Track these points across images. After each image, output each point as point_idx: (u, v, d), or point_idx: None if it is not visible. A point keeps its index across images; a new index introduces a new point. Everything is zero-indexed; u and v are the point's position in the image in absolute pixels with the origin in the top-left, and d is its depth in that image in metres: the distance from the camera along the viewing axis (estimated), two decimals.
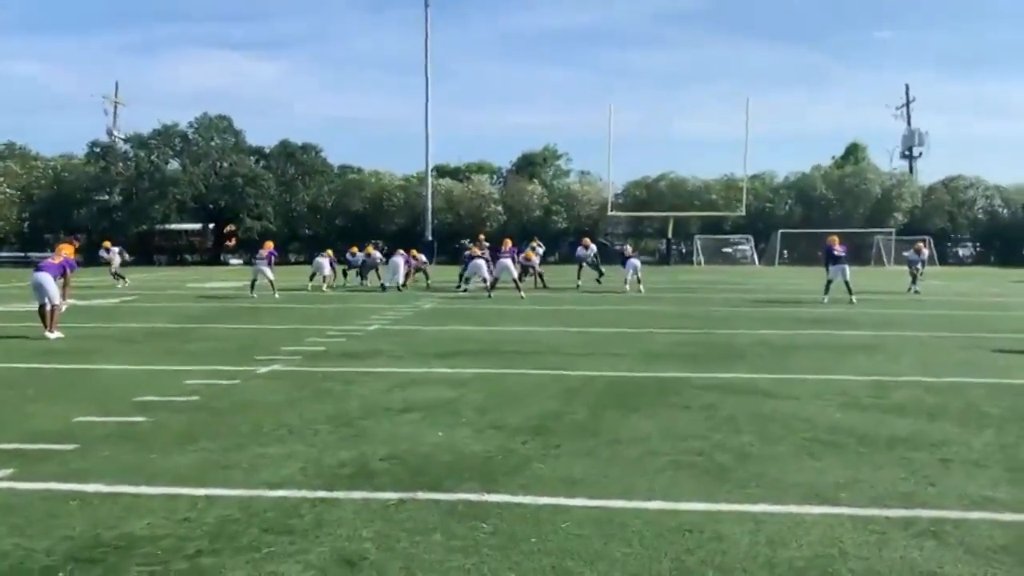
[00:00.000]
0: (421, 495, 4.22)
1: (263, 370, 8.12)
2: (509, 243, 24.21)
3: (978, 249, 52.19)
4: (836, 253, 17.55)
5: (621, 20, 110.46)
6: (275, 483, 4.43)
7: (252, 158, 51.83)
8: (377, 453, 5.03)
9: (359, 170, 53.69)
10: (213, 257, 51.57)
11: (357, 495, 4.23)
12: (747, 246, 47.39)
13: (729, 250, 47.81)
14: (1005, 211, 50.39)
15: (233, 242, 52.85)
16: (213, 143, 50.49)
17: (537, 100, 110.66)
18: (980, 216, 50.73)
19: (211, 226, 53.80)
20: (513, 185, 50.95)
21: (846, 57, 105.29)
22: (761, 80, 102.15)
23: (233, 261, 49.03)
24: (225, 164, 49.57)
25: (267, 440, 5.36)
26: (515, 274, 19.85)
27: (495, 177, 55.16)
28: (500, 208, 48.76)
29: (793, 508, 4.02)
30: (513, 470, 4.67)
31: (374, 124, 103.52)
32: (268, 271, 18.71)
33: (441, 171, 52.73)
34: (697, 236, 47.04)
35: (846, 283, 17.18)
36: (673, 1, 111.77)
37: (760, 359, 9.11)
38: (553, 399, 6.71)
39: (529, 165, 54.10)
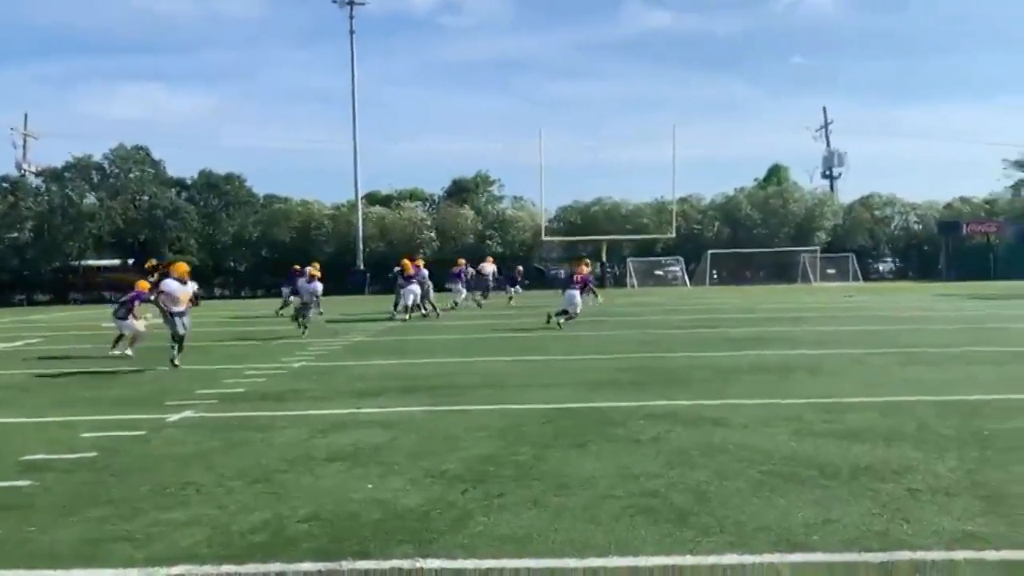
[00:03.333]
0: (347, 565, 3.66)
1: (173, 418, 7.38)
2: (463, 262, 24.32)
3: (897, 264, 53.99)
4: None
5: (547, 51, 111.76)
6: (173, 558, 3.80)
7: (173, 190, 49.97)
8: (296, 513, 4.44)
9: (286, 199, 52.31)
10: None
11: (272, 569, 3.65)
12: (678, 267, 47.88)
13: (661, 272, 48.22)
14: (919, 227, 52.35)
15: (156, 277, 50.62)
16: (131, 175, 48.47)
17: (469, 128, 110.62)
18: (897, 233, 52.60)
19: (131, 261, 51.47)
20: (446, 211, 50.45)
21: (765, 83, 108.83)
22: (687, 106, 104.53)
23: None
24: (144, 197, 47.62)
25: (169, 503, 4.70)
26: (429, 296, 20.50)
27: (427, 204, 54.60)
28: (433, 234, 48.16)
29: (766, 557, 3.61)
30: (452, 527, 4.14)
31: (302, 155, 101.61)
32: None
33: (372, 199, 51.86)
34: (630, 259, 47.32)
35: None
36: (596, 33, 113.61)
37: (703, 384, 8.80)
38: (493, 439, 6.21)
39: (461, 191, 53.70)
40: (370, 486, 4.94)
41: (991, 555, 3.58)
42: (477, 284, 26.68)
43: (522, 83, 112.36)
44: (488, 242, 47.40)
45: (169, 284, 11.43)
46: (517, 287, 28.05)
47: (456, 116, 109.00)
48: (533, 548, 3.80)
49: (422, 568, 3.60)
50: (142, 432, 6.78)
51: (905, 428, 6.26)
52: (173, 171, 51.31)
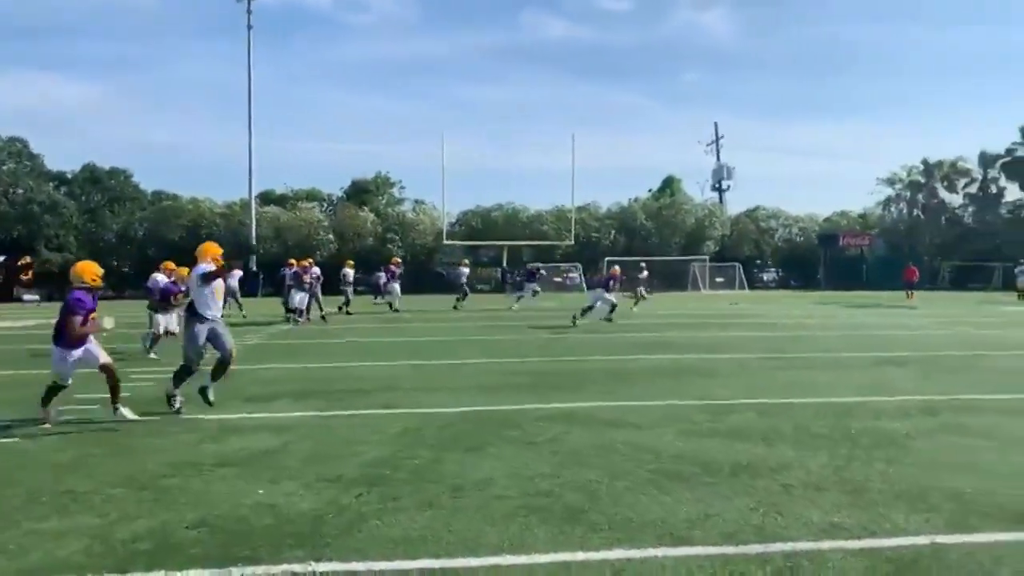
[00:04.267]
0: (236, 571, 3.59)
1: (50, 423, 6.98)
2: (398, 260, 24.26)
3: (780, 274, 56.91)
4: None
5: (451, 54, 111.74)
6: (49, 567, 3.62)
7: (52, 184, 47.06)
8: (184, 520, 4.31)
9: (175, 196, 50.18)
10: (5, 293, 46.08)
11: None
12: (576, 274, 48.91)
13: (560, 279, 49.08)
14: (801, 239, 55.41)
15: (29, 276, 47.47)
16: (5, 167, 45.38)
17: (370, 129, 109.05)
18: (781, 244, 55.49)
19: (2, 259, 48.08)
20: (344, 212, 49.63)
21: (659, 96, 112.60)
22: (586, 115, 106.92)
23: (28, 297, 44.03)
24: (20, 190, 44.66)
25: (44, 512, 4.47)
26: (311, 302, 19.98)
27: (325, 205, 53.55)
28: (331, 236, 47.27)
29: (650, 552, 3.78)
30: (346, 530, 4.12)
31: (194, 151, 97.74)
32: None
33: (266, 198, 50.42)
34: (529, 265, 48.01)
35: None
36: (499, 39, 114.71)
37: (600, 386, 9.05)
38: (389, 443, 6.19)
39: (361, 192, 53.01)
40: (261, 492, 4.84)
41: (853, 544, 3.87)
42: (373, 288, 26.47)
43: (425, 85, 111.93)
44: (388, 245, 46.97)
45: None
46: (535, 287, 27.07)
47: (357, 116, 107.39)
48: (426, 549, 3.83)
49: (314, 572, 3.57)
50: (14, 439, 6.39)
51: (783, 428, 6.65)
52: (56, 164, 48.41)
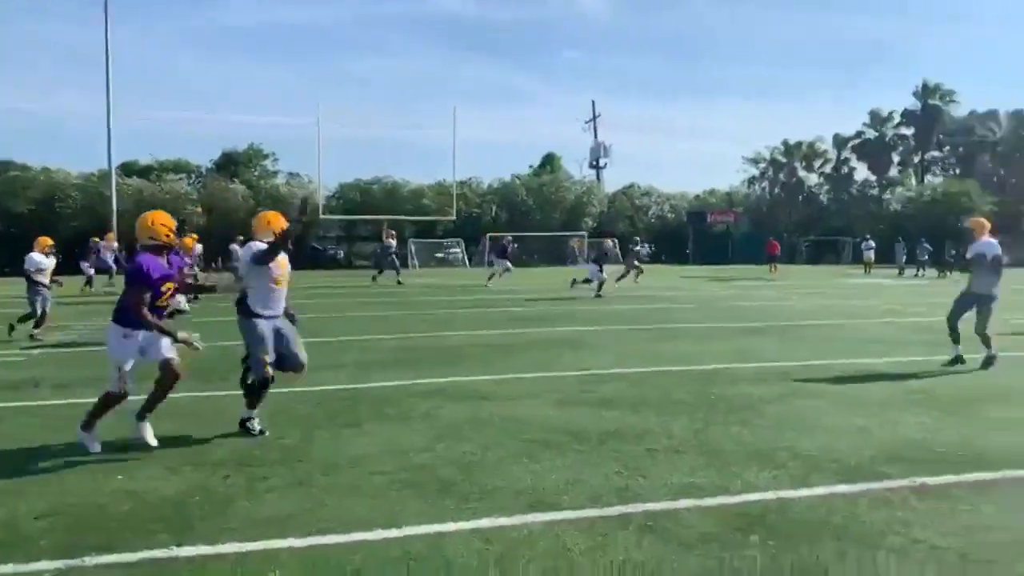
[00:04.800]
0: (91, 560, 3.43)
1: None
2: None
3: (653, 249, 59.10)
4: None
5: (329, 22, 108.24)
6: None
7: None
8: (33, 510, 4.06)
9: (24, 167, 46.36)
10: None
11: (4, 570, 3.33)
12: (458, 249, 48.93)
13: (442, 254, 48.98)
14: (672, 216, 57.70)
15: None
16: None
17: (242, 98, 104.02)
18: (654, 221, 57.62)
19: None
20: (213, 185, 47.40)
21: (540, 73, 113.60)
22: (468, 89, 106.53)
23: None
24: None
25: None
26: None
27: (193, 177, 50.93)
28: (199, 210, 45.07)
29: (519, 519, 3.89)
30: (212, 513, 4.01)
31: (46, 118, 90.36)
32: None
33: (128, 169, 47.36)
34: (411, 240, 47.55)
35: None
36: (379, 8, 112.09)
37: (478, 360, 9.15)
38: (260, 423, 6.03)
39: (232, 164, 50.73)
40: (120, 477, 4.63)
41: (708, 502, 4.14)
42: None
43: (302, 54, 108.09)
44: None
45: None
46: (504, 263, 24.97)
47: (230, 86, 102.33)
48: (296, 527, 3.79)
49: (177, 556, 3.47)
50: None
51: (649, 396, 6.97)
52: None
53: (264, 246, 5.56)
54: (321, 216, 44.24)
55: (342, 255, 50.43)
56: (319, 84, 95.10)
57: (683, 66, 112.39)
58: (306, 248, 46.45)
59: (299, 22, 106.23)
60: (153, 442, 5.28)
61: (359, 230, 51.62)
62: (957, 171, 59.07)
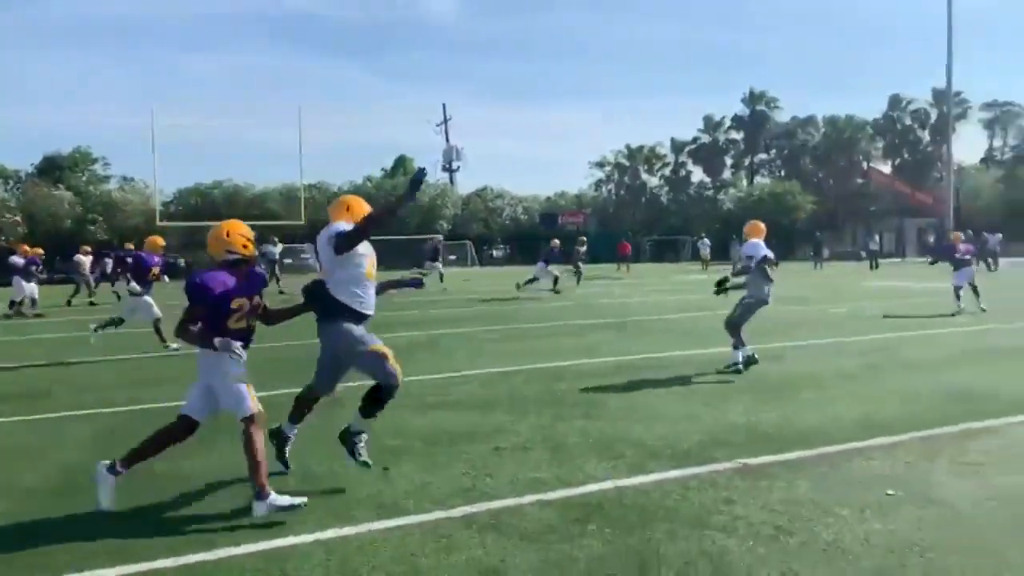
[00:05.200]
0: None
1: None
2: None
3: (507, 251, 60.11)
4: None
5: (165, 18, 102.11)
6: None
7: None
8: None
9: None
10: None
11: None
12: (310, 255, 47.63)
13: (291, 260, 47.49)
14: (525, 217, 58.95)
15: None
16: None
17: (68, 97, 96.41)
18: (507, 222, 58.63)
19: None
20: (35, 191, 43.60)
21: (390, 74, 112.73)
22: (315, 90, 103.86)
23: None
24: None
25: None
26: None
27: (11, 182, 46.61)
28: (19, 218, 41.31)
29: (364, 527, 3.85)
30: (21, 543, 3.69)
31: None
32: None
33: None
34: (260, 246, 45.94)
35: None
36: (217, 5, 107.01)
37: None
38: (82, 448, 5.63)
39: (56, 169, 46.86)
40: None
41: (550, 495, 4.26)
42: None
43: (135, 51, 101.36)
44: (91, 227, 42.23)
45: None
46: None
47: (54, 83, 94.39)
48: (133, 555, 3.57)
49: None
50: None
51: (499, 396, 7.09)
52: None
53: (347, 227, 4.51)
54: (158, 223, 41.77)
55: (183, 263, 47.75)
56: (153, 83, 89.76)
57: (530, 70, 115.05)
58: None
59: (130, 16, 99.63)
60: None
61: (201, 237, 49.18)
62: (782, 173, 64.06)
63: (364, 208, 4.77)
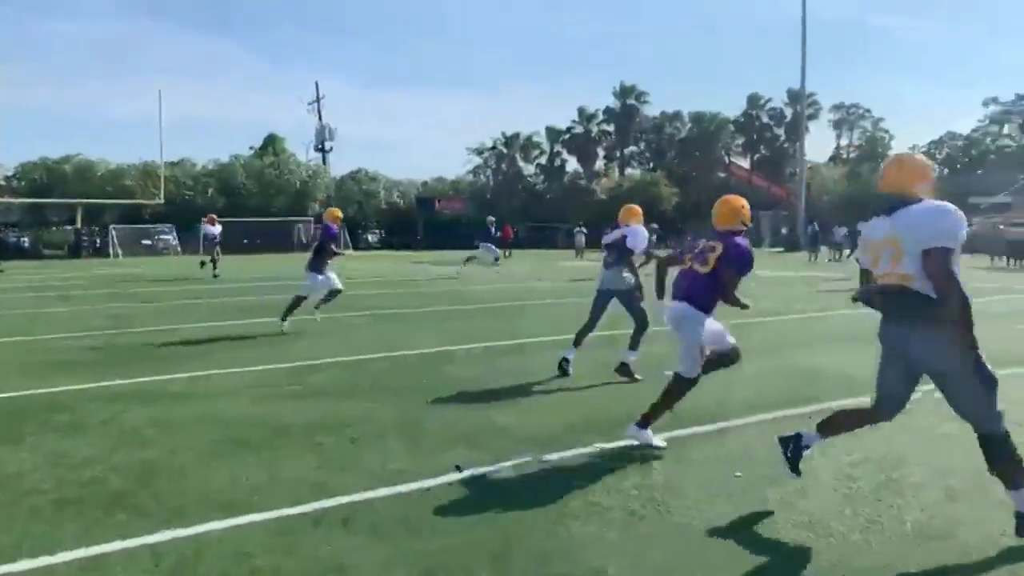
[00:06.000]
0: None
1: None
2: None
3: (384, 235, 59.10)
4: None
5: None
6: None
7: None
8: None
9: None
10: None
11: None
12: (170, 236, 44.99)
13: (150, 241, 44.68)
14: (402, 202, 58.14)
15: None
16: None
17: None
18: (383, 206, 57.59)
19: None
20: None
21: (263, 50, 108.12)
22: (178, 64, 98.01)
23: None
24: None
25: None
26: None
27: None
28: None
29: (200, 528, 3.56)
30: None
31: None
32: None
33: None
34: (113, 226, 42.79)
35: None
36: None
37: (173, 358, 8.37)
38: None
39: None
40: None
41: (405, 488, 4.10)
42: None
43: None
44: None
45: None
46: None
47: None
48: None
49: None
50: None
51: (360, 383, 6.86)
52: None
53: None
54: (0, 199, 38.27)
55: (27, 243, 43.94)
56: None
57: (408, 55, 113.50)
58: None
59: None
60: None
61: (49, 215, 45.41)
62: (651, 165, 66.34)
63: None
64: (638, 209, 7.44)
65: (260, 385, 6.80)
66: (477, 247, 23.54)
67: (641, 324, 7.10)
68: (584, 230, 39.53)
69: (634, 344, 7.05)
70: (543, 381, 6.94)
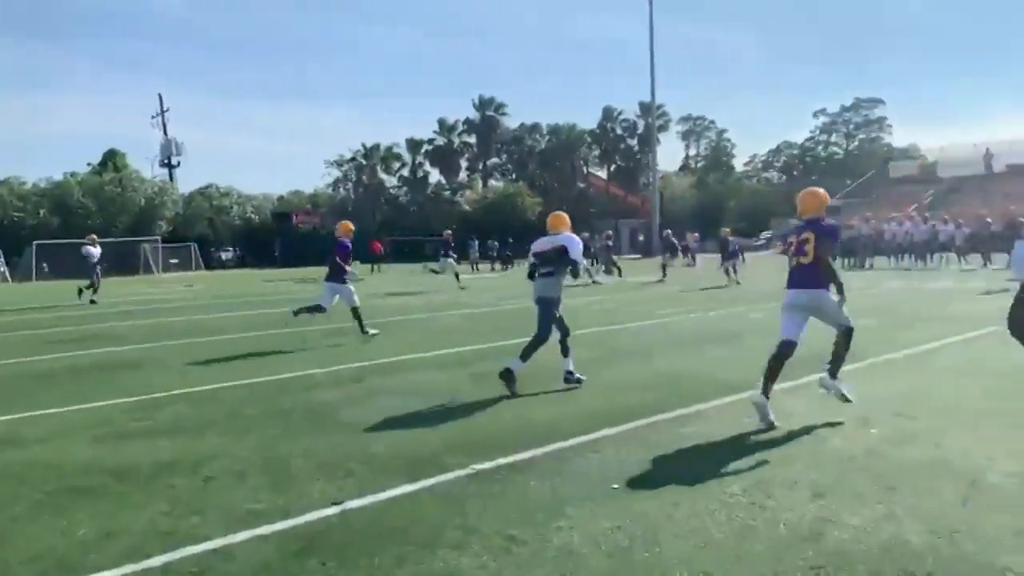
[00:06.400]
0: None
1: None
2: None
3: (239, 253, 56.52)
4: None
5: None
6: None
7: None
8: None
9: None
10: None
11: None
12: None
13: None
14: (256, 217, 55.84)
15: None
16: None
17: None
18: (237, 222, 55.09)
19: None
20: None
21: (99, 60, 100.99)
22: (10, 75, 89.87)
23: None
24: None
25: None
26: None
27: None
28: None
29: None
30: None
31: None
32: None
33: None
34: None
35: None
36: None
37: None
38: None
39: None
40: None
41: (266, 529, 3.76)
42: None
43: None
44: None
45: None
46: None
47: None
48: None
49: None
50: None
51: (214, 415, 6.34)
52: None
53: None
54: None
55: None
56: None
57: (264, 67, 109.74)
58: None
59: None
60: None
61: None
62: (514, 176, 67.29)
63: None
64: (567, 217, 7.43)
65: (99, 424, 6.15)
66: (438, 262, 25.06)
67: (541, 337, 7.02)
68: (476, 242, 39.08)
69: (526, 355, 6.93)
70: (414, 400, 6.69)
